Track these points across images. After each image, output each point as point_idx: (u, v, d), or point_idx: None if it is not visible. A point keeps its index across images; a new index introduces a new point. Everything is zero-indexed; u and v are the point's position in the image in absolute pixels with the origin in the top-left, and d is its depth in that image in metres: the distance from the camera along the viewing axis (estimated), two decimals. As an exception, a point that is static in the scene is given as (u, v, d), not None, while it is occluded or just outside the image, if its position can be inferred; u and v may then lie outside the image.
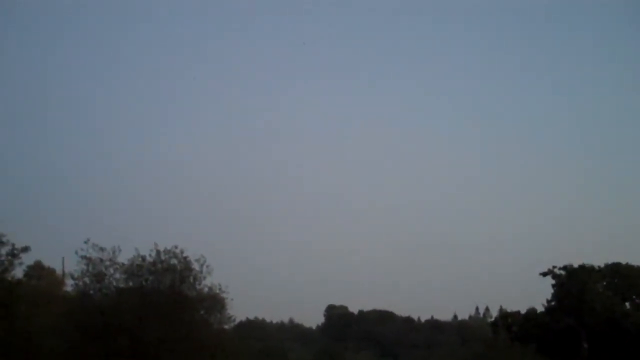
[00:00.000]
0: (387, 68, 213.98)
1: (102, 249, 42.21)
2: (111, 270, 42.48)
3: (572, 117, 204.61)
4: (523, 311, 73.81)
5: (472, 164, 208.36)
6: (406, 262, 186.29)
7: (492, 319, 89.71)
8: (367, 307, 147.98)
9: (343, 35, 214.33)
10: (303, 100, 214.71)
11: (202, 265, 43.29)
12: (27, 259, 51.94)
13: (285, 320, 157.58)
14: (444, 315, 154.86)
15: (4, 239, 42.33)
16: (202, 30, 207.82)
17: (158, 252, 42.95)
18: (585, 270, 71.35)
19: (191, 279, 43.38)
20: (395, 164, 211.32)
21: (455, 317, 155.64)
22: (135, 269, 42.70)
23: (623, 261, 74.55)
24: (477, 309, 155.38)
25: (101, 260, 42.17)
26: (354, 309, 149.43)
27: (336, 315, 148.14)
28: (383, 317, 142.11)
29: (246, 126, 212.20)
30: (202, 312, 45.00)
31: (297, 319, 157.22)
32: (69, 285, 49.48)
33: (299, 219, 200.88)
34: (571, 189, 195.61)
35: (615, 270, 73.50)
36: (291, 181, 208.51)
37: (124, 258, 42.75)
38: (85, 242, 42.07)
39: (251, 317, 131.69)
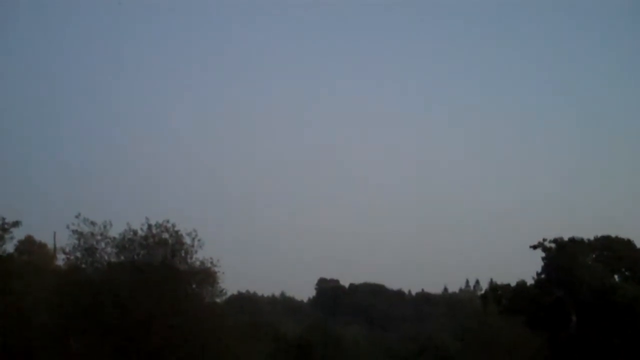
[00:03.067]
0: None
1: (93, 223, 42.12)
2: (102, 245, 42.43)
3: (562, 92, 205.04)
4: (513, 284, 74.23)
5: (463, 140, 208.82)
6: (397, 235, 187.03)
7: (482, 292, 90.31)
8: (358, 280, 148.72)
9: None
10: (298, 79, 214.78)
11: (193, 239, 43.29)
12: (18, 234, 51.94)
13: (277, 293, 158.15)
14: (435, 289, 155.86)
15: (-6, 214, 42.29)
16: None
17: (149, 226, 42.91)
18: (575, 244, 71.70)
19: (182, 253, 43.38)
20: (388, 141, 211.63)
21: (445, 290, 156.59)
22: (126, 243, 42.66)
23: (613, 234, 75.07)
24: (467, 282, 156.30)
25: (92, 234, 42.09)
26: (345, 282, 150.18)
27: (327, 289, 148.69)
28: (374, 291, 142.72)
29: (240, 104, 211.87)
30: (193, 285, 45.06)
31: (289, 292, 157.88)
32: (60, 260, 49.53)
33: (290, 193, 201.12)
34: (561, 163, 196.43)
35: (605, 244, 73.90)
36: (282, 156, 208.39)
37: (115, 232, 42.76)
38: (77, 217, 42.03)
39: (242, 290, 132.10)
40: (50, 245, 67.06)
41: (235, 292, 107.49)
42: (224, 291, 47.38)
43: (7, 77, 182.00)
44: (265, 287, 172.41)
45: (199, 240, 43.37)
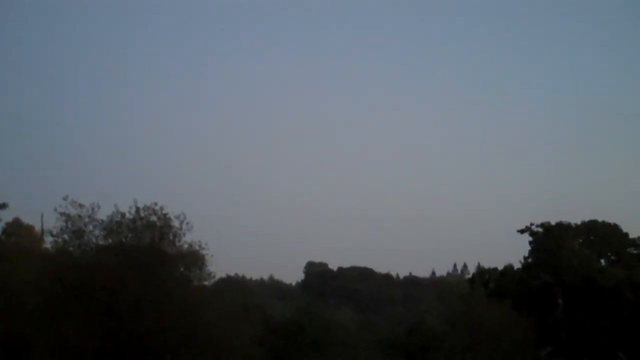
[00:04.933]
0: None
1: (81, 206, 41.96)
2: (90, 227, 42.31)
3: (549, 78, 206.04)
4: (500, 268, 74.46)
5: (452, 125, 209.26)
6: (385, 219, 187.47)
7: (470, 276, 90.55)
8: (347, 264, 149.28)
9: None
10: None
11: (181, 222, 43.21)
12: (5, 216, 51.80)
13: (265, 276, 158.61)
14: (423, 272, 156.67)
15: (-19, 196, 42.08)
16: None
17: (137, 208, 42.78)
18: (562, 228, 71.95)
19: (171, 236, 43.30)
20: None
21: (433, 273, 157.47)
22: (114, 226, 42.54)
23: (599, 219, 75.48)
24: (455, 265, 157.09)
25: (80, 217, 41.94)
26: (333, 265, 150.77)
27: (316, 272, 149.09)
28: (362, 274, 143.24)
29: (234, 88, 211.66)
30: (181, 269, 45.02)
31: (277, 276, 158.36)
32: (48, 242, 49.36)
33: (279, 177, 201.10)
34: (548, 149, 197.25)
35: (592, 228, 74.29)
36: (272, 139, 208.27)
37: (103, 215, 42.63)
38: (64, 199, 41.85)
39: (231, 273, 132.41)
40: (37, 228, 66.89)
41: (224, 275, 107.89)
42: (213, 274, 47.41)
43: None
44: (254, 270, 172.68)
45: (187, 223, 43.34)
